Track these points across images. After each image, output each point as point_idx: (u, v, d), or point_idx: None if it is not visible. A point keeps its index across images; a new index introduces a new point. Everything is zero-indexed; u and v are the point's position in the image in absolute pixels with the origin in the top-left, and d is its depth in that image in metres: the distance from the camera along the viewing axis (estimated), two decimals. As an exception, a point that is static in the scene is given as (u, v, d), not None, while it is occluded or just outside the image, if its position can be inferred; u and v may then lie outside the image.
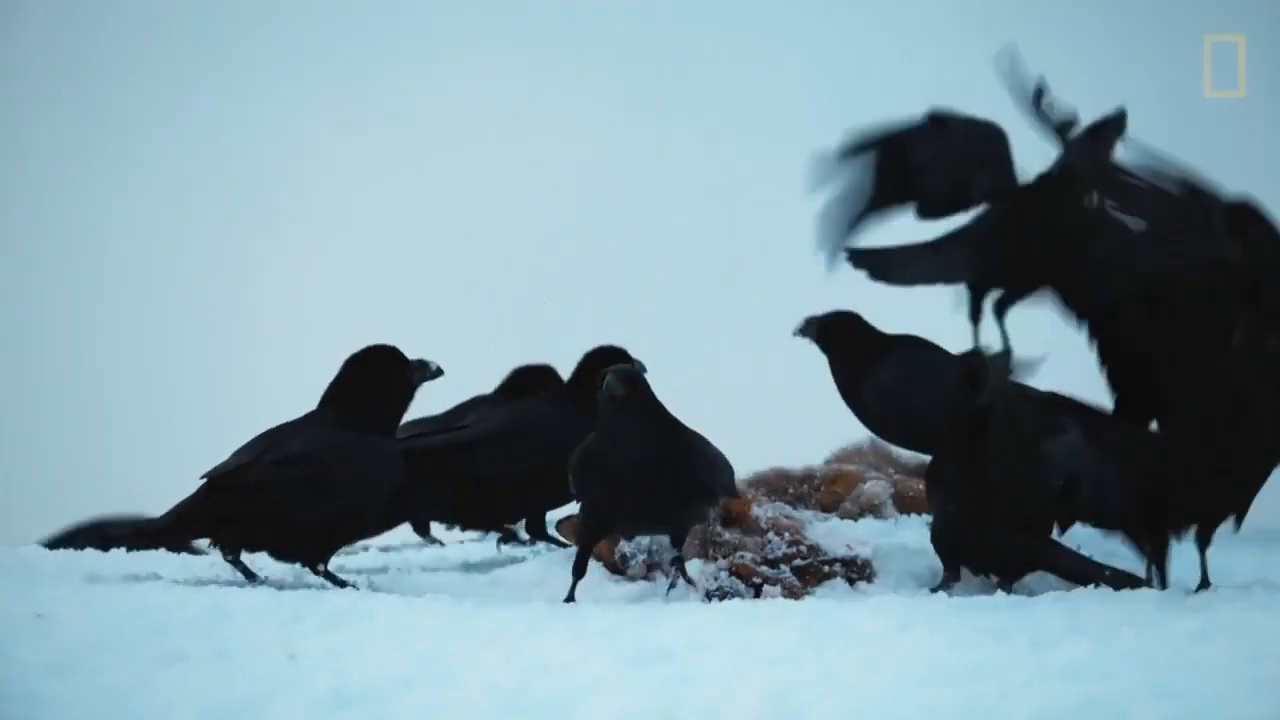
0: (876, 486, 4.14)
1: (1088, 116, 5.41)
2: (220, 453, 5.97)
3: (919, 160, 4.59)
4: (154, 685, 3.55)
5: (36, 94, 9.01)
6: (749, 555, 3.85)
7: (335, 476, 4.75)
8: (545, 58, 9.17)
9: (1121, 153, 4.75)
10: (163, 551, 6.09)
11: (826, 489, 4.04)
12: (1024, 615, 4.15)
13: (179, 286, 8.26)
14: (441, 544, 6.25)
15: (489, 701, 3.37)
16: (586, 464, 4.17)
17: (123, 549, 6.14)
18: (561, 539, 5.53)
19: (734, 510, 3.78)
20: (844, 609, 4.19)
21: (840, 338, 4.57)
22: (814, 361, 4.98)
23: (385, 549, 6.06)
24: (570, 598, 4.48)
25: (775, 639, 3.82)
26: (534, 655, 3.84)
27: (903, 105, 5.25)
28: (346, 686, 3.54)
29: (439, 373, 4.93)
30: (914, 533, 4.59)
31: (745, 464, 4.55)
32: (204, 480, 4.98)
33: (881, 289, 4.74)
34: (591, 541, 4.15)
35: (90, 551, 6.39)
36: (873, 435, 4.72)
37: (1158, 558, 4.36)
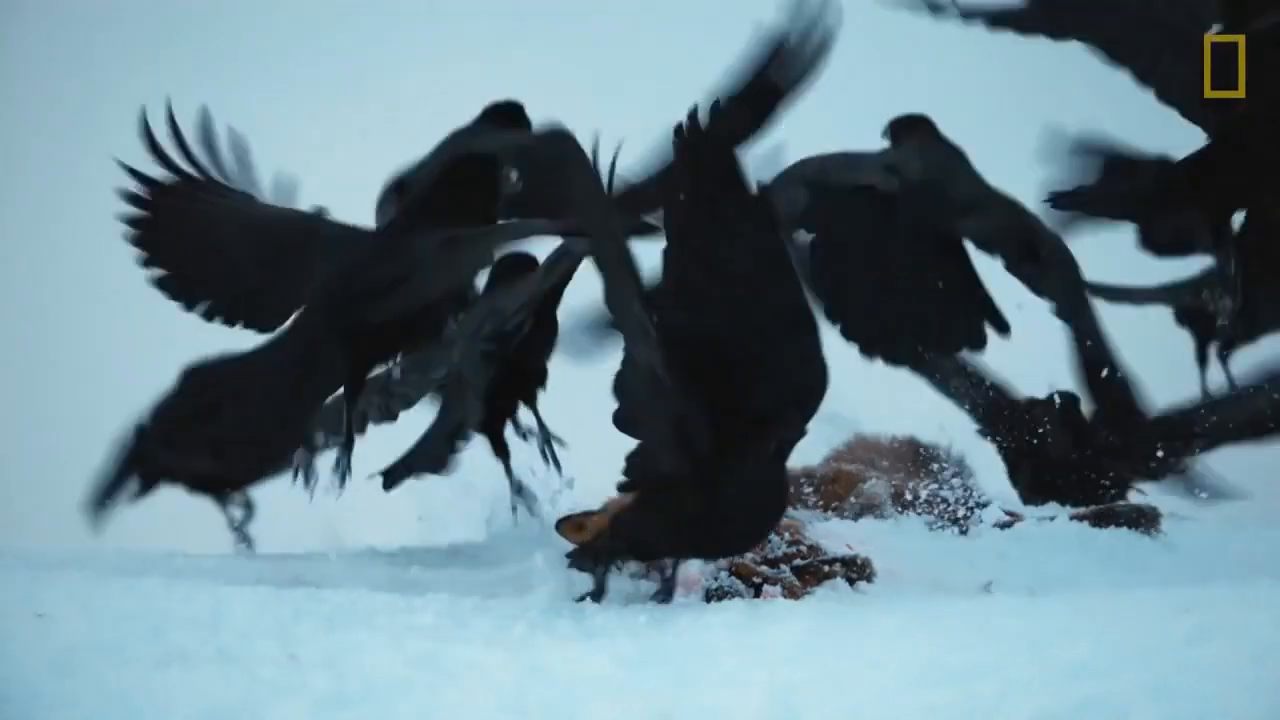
0: (877, 486, 4.11)
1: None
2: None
3: None
4: (154, 685, 3.55)
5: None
6: (749, 555, 3.82)
7: None
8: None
9: None
10: (160, 550, 6.09)
11: (827, 489, 3.95)
12: (1024, 615, 4.15)
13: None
14: None
15: (489, 702, 3.37)
16: None
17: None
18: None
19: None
20: (844, 609, 4.19)
21: None
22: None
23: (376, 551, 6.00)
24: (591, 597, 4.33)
25: (776, 639, 3.82)
26: (534, 655, 3.85)
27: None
28: (346, 687, 3.54)
29: None
30: (914, 532, 4.60)
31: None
32: None
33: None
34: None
35: (90, 549, 6.38)
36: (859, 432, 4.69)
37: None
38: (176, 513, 6.50)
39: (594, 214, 3.34)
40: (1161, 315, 5.41)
